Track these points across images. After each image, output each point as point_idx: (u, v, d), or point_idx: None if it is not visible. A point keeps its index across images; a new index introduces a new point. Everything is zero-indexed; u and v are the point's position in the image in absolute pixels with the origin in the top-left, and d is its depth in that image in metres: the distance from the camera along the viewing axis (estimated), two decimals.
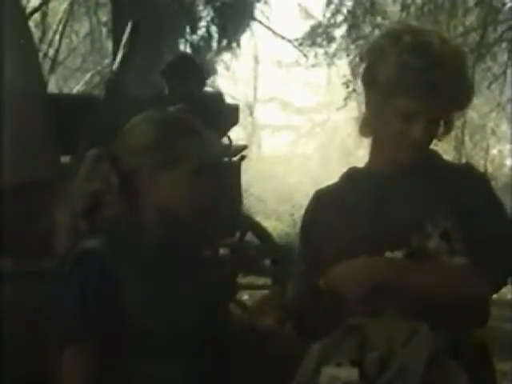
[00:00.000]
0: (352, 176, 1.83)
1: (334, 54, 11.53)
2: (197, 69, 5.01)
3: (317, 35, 11.51)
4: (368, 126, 1.77)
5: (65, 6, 10.96)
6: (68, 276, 1.75)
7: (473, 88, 1.77)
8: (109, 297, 1.70)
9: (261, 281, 6.00)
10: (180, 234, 1.86)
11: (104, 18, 12.08)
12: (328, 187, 1.86)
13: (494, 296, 1.76)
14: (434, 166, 1.77)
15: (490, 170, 10.29)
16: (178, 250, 1.86)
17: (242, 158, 5.38)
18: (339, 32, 11.21)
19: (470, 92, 1.75)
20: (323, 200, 1.84)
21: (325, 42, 11.45)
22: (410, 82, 1.64)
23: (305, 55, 12.10)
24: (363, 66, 1.78)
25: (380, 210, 1.71)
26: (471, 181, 1.74)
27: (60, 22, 10.78)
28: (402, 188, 1.73)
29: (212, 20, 11.37)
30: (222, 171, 4.94)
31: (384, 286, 1.63)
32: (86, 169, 1.82)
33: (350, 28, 10.51)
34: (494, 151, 12.67)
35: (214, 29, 11.48)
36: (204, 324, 1.81)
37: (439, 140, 1.78)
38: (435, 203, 1.69)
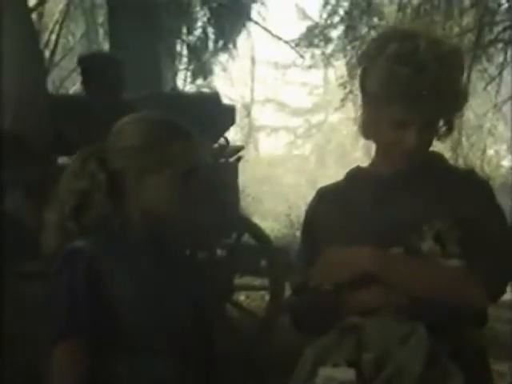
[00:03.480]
0: (355, 175, 1.83)
1: (331, 55, 11.52)
2: (113, 69, 4.57)
3: (313, 36, 11.51)
4: (366, 129, 1.77)
5: (61, 6, 10.95)
6: (55, 275, 1.76)
7: (464, 91, 1.75)
8: (95, 295, 1.71)
9: (257, 281, 6.01)
10: (167, 233, 1.86)
11: (100, 19, 12.08)
12: (331, 185, 1.87)
13: None
14: (437, 169, 1.76)
15: (486, 170, 10.30)
16: (166, 249, 1.87)
17: (239, 158, 5.38)
18: (336, 33, 11.22)
19: (461, 95, 1.73)
20: (326, 197, 1.84)
21: (322, 43, 11.44)
22: (397, 92, 1.63)
23: (301, 56, 12.10)
24: (359, 70, 1.78)
25: (380, 210, 1.71)
26: (473, 187, 1.73)
27: (56, 22, 10.78)
28: (403, 189, 1.73)
29: (208, 21, 11.39)
30: (218, 172, 4.95)
31: (379, 279, 1.63)
32: (75, 167, 1.83)
33: (347, 29, 10.51)
34: (490, 152, 12.69)
35: (210, 30, 11.49)
36: (193, 323, 1.82)
37: (440, 140, 1.78)
38: (434, 205, 1.68)
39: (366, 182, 1.78)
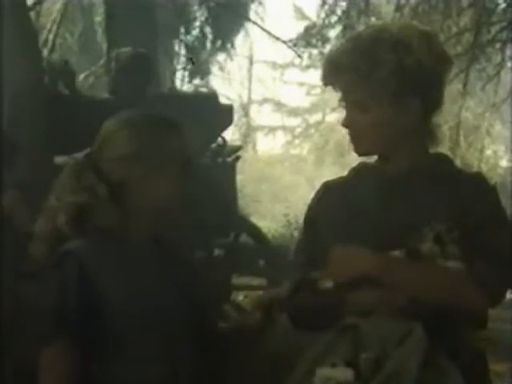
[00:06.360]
0: (360, 171, 1.82)
1: None
2: (147, 66, 4.83)
3: (311, 36, 11.49)
4: None
5: (58, 5, 10.93)
6: (48, 277, 1.74)
7: (386, 79, 1.72)
8: (88, 298, 1.70)
9: (255, 281, 6.00)
10: (167, 233, 1.85)
11: (98, 18, 12.07)
12: (336, 180, 1.86)
13: None
14: (442, 170, 1.75)
15: (484, 170, 10.30)
16: (165, 249, 1.85)
17: (237, 158, 5.38)
18: (334, 33, 11.21)
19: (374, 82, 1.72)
20: (329, 192, 1.83)
21: (319, 43, 11.43)
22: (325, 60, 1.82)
23: (299, 56, 12.09)
24: None
25: (383, 208, 1.71)
26: (478, 191, 1.72)
27: (54, 21, 10.75)
28: (405, 188, 1.72)
29: (206, 20, 11.39)
30: (216, 172, 4.95)
31: (379, 282, 1.62)
32: (70, 182, 1.78)
33: (345, 29, 10.50)
34: (488, 152, 12.68)
35: (208, 29, 11.49)
36: (190, 325, 1.80)
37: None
38: (435, 206, 1.67)
39: (371, 178, 1.77)
